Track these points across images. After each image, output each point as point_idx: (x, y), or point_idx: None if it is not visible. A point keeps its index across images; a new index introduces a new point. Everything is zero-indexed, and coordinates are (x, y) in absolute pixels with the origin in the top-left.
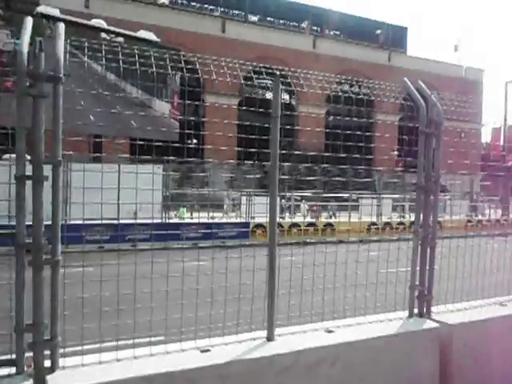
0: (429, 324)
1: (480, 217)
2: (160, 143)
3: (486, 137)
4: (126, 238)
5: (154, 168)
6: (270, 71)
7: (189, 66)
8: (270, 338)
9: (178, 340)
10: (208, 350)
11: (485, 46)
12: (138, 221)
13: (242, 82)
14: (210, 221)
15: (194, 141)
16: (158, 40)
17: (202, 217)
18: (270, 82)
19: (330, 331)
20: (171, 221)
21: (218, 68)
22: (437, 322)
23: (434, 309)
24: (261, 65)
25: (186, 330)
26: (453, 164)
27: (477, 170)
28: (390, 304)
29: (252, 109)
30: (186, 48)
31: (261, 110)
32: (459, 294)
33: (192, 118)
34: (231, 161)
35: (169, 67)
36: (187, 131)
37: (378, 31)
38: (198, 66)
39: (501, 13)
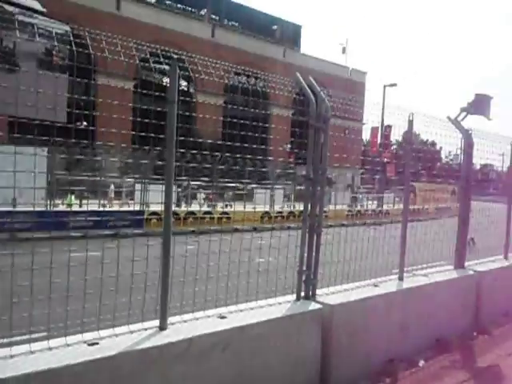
0: (313, 306)
1: (359, 207)
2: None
3: (366, 134)
4: (3, 226)
5: (36, 150)
6: (168, 55)
7: (78, 41)
8: (162, 327)
9: (62, 335)
10: (96, 343)
11: (369, 51)
12: (18, 208)
13: (138, 62)
14: (101, 209)
15: (84, 123)
16: (44, 10)
17: (93, 204)
18: (167, 67)
19: (222, 317)
20: (57, 209)
21: (111, 46)
22: (320, 303)
23: (318, 291)
24: (158, 46)
25: (73, 324)
26: (338, 158)
27: (358, 165)
28: (281, 288)
29: (147, 92)
30: (76, 23)
31: (157, 94)
32: (340, 277)
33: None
34: (124, 145)
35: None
36: (77, 111)
37: (275, 27)
38: (88, 42)
39: (385, 21)
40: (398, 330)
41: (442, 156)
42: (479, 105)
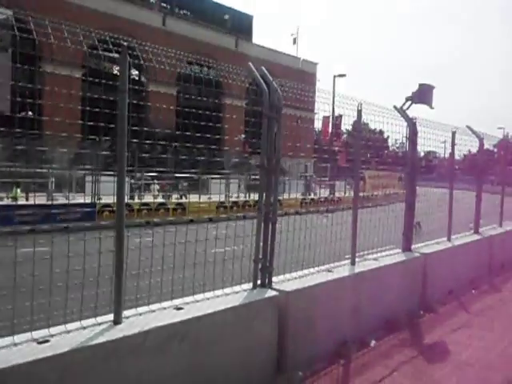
0: (269, 293)
1: (312, 195)
2: None
3: (318, 124)
4: None
5: None
6: (118, 42)
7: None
8: (117, 321)
9: (10, 334)
10: (46, 341)
11: (320, 41)
12: None
13: (86, 49)
14: (49, 202)
15: (30, 113)
16: None
17: (40, 196)
18: (117, 55)
19: (179, 308)
20: (1, 202)
21: (57, 32)
22: (276, 290)
23: (274, 279)
24: (107, 33)
25: (22, 322)
26: (291, 147)
27: (311, 154)
28: (237, 278)
29: (97, 81)
30: (20, 8)
31: (107, 83)
32: (296, 263)
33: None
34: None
35: None
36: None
37: (226, 16)
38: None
39: (336, 12)
40: (350, 312)
41: (390, 144)
42: (422, 94)
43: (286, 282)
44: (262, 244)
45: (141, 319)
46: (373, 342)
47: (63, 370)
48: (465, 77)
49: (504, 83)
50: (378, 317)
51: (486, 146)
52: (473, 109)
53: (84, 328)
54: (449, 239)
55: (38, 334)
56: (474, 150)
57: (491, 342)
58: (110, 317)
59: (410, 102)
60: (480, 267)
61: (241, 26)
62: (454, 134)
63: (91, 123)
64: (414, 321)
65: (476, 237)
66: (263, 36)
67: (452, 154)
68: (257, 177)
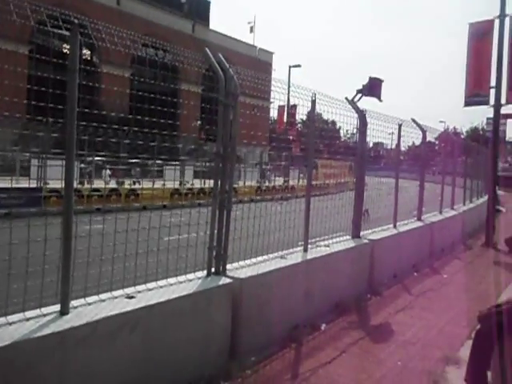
0: (223, 280)
1: (267, 183)
2: None
3: (273, 113)
4: None
5: None
6: (69, 19)
7: None
8: (63, 312)
9: None
10: None
11: (276, 31)
12: None
13: (34, 24)
14: None
15: None
16: None
17: None
18: (67, 33)
19: (130, 297)
20: None
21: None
22: (230, 277)
23: (229, 266)
24: (57, 9)
25: None
26: (247, 135)
27: (266, 142)
28: (191, 265)
29: (45, 58)
30: None
31: (56, 61)
32: (250, 251)
33: None
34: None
35: None
36: None
37: (183, 0)
38: None
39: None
40: (302, 297)
41: (341, 135)
42: (372, 87)
43: (240, 269)
44: (216, 231)
45: (90, 309)
46: (323, 326)
47: (4, 365)
48: (411, 71)
49: (446, 78)
50: (329, 301)
51: (429, 138)
52: (418, 101)
53: (28, 319)
54: (394, 226)
55: None
56: (418, 141)
57: (431, 322)
58: (57, 307)
59: (360, 95)
60: (422, 252)
61: (198, 10)
62: (400, 126)
63: (38, 104)
64: (362, 304)
65: (419, 223)
66: (220, 23)
67: (398, 145)
68: (212, 164)
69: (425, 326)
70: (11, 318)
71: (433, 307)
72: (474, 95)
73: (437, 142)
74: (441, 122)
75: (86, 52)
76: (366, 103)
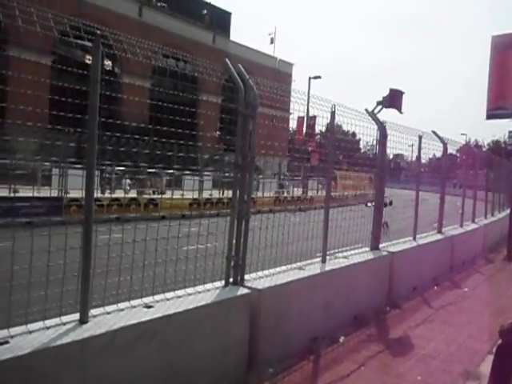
0: (241, 291)
1: (286, 194)
2: None
3: (292, 123)
4: None
5: None
6: (91, 30)
7: None
8: (83, 320)
9: None
10: (6, 342)
11: (296, 43)
12: None
13: (57, 35)
14: (12, 195)
15: None
16: None
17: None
18: (90, 44)
19: (148, 306)
20: None
21: (25, 15)
22: (248, 288)
23: (247, 276)
24: (80, 20)
25: None
26: (266, 146)
27: (285, 153)
28: (209, 275)
29: (68, 69)
30: None
31: (79, 71)
32: (268, 261)
33: None
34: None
35: None
36: None
37: (204, 11)
38: None
39: (313, 13)
40: (321, 309)
41: (361, 146)
42: (393, 99)
43: (258, 279)
44: (234, 241)
45: (108, 318)
46: (342, 338)
47: (24, 372)
48: (432, 82)
49: (467, 90)
50: (348, 313)
51: (450, 150)
52: (438, 113)
53: (48, 328)
54: (414, 238)
55: None
56: (439, 154)
57: (451, 336)
58: (76, 316)
59: (380, 106)
60: (442, 265)
61: (218, 22)
62: (420, 138)
63: (60, 113)
64: (381, 317)
65: (439, 236)
66: (241, 34)
67: (418, 157)
68: (231, 174)
69: (445, 340)
70: (31, 326)
71: (453, 321)
72: (497, 108)
73: (458, 155)
74: (462, 134)
75: (108, 62)
76: (386, 115)
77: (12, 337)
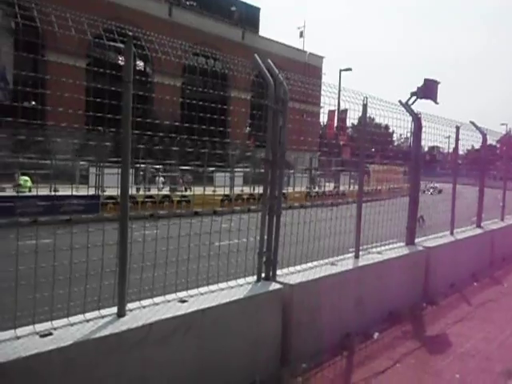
0: (274, 286)
1: (317, 189)
2: None
3: (323, 117)
4: None
5: None
6: (123, 32)
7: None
8: (120, 314)
9: (12, 327)
10: (50, 334)
11: (326, 35)
12: None
13: (91, 38)
14: (52, 193)
15: (33, 102)
16: None
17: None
18: (122, 45)
19: (183, 301)
20: (1, 193)
21: (61, 21)
22: (280, 283)
23: (279, 272)
24: (112, 23)
25: (24, 315)
26: (296, 141)
27: (316, 148)
28: (242, 270)
29: (101, 71)
30: None
31: (112, 73)
32: (300, 256)
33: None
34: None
35: None
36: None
37: (233, 8)
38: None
39: (343, 5)
40: (354, 305)
41: (394, 139)
42: (427, 89)
43: (290, 274)
44: (266, 237)
45: (145, 312)
46: (376, 334)
47: (66, 363)
48: (469, 73)
49: (507, 80)
50: (381, 309)
51: (489, 141)
52: (477, 104)
53: (87, 321)
54: (452, 233)
55: (41, 327)
56: (477, 145)
57: (492, 334)
58: (114, 310)
59: (415, 97)
60: (481, 260)
61: (247, 18)
62: (458, 129)
63: (95, 114)
64: (417, 313)
65: (478, 231)
66: (270, 29)
67: (456, 149)
68: (262, 170)
69: (485, 337)
70: (73, 319)
71: (493, 318)
72: None
73: (498, 146)
74: (502, 124)
75: (140, 63)
76: (421, 106)
77: (55, 329)
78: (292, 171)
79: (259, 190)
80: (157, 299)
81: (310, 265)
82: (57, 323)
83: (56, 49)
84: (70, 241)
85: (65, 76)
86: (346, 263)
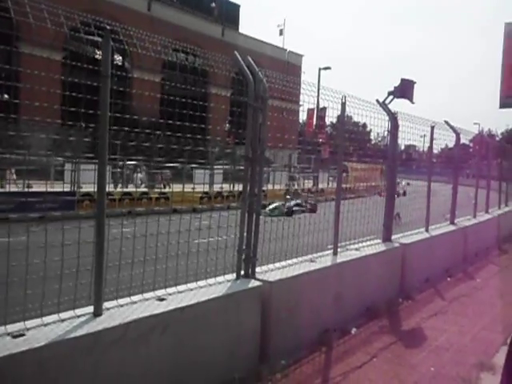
0: (253, 283)
1: (296, 186)
2: None
3: (302, 115)
4: None
5: None
6: (101, 25)
7: None
8: (97, 313)
9: None
10: (22, 335)
11: (304, 34)
12: None
13: (68, 31)
14: (26, 190)
15: (5, 96)
16: None
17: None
18: (100, 39)
19: (161, 299)
20: None
21: (36, 12)
22: (260, 280)
23: (258, 269)
24: (89, 16)
25: None
26: (276, 138)
27: (295, 145)
28: (221, 268)
29: (78, 64)
30: None
31: (89, 67)
32: (279, 254)
33: None
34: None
35: None
36: None
37: (213, 4)
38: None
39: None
40: (332, 301)
41: (372, 137)
42: (404, 89)
43: (270, 272)
44: (245, 234)
45: (122, 311)
46: (354, 330)
47: (40, 364)
48: (442, 71)
49: (479, 79)
50: (359, 305)
51: (463, 140)
52: (450, 103)
53: (62, 321)
54: (427, 230)
55: (13, 327)
56: (451, 144)
57: (465, 327)
58: (90, 309)
59: (391, 97)
60: (455, 256)
61: (227, 14)
62: (432, 128)
63: (71, 109)
64: (393, 308)
65: (452, 227)
66: (250, 26)
67: (431, 147)
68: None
69: (458, 331)
70: (46, 319)
71: (467, 312)
72: (510, 96)
73: (471, 145)
74: (475, 123)
75: (118, 58)
76: (397, 105)
77: (28, 329)
78: (271, 169)
79: (239, 187)
80: (134, 298)
81: (289, 262)
82: (30, 323)
83: (31, 41)
84: (44, 239)
85: (40, 69)
86: (324, 260)
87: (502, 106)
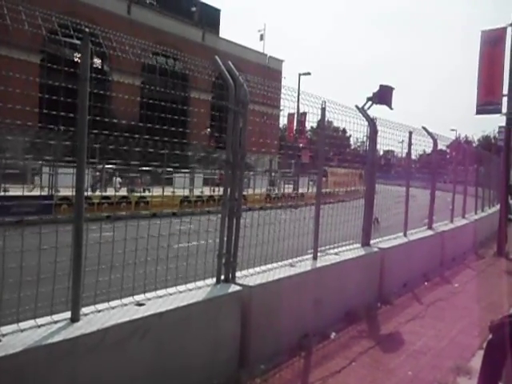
0: (233, 288)
1: (277, 191)
2: None
3: (283, 120)
4: None
5: None
6: (80, 28)
7: None
8: (74, 319)
9: None
10: None
11: (284, 40)
12: None
13: (45, 33)
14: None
15: None
16: None
17: None
18: (79, 42)
19: (140, 304)
20: None
21: (12, 13)
22: (240, 285)
23: (238, 274)
24: (68, 18)
25: None
26: (257, 143)
27: (276, 150)
28: (201, 273)
29: (57, 67)
30: None
31: (68, 70)
32: (259, 258)
33: None
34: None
35: None
36: None
37: (193, 8)
38: None
39: (302, 10)
40: (312, 306)
41: (351, 142)
42: (383, 95)
43: (250, 276)
44: (226, 239)
45: (100, 316)
46: (333, 334)
47: (16, 371)
48: (421, 77)
49: (457, 86)
50: (339, 310)
51: (440, 146)
52: (428, 109)
53: (39, 326)
54: (405, 234)
55: None
56: (429, 150)
57: (442, 332)
58: (68, 314)
59: (370, 103)
60: (433, 261)
61: (208, 19)
62: (410, 134)
63: (49, 112)
64: (372, 313)
65: (429, 232)
66: (230, 31)
67: (409, 153)
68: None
69: (436, 335)
70: (23, 324)
71: (444, 317)
72: (486, 103)
73: (448, 151)
74: (452, 130)
75: (97, 61)
76: (376, 111)
77: (4, 335)
78: (252, 173)
79: (219, 191)
80: (113, 303)
81: (269, 266)
82: (5, 329)
83: (7, 43)
84: (20, 243)
85: (16, 71)
86: (304, 264)
87: (478, 112)
